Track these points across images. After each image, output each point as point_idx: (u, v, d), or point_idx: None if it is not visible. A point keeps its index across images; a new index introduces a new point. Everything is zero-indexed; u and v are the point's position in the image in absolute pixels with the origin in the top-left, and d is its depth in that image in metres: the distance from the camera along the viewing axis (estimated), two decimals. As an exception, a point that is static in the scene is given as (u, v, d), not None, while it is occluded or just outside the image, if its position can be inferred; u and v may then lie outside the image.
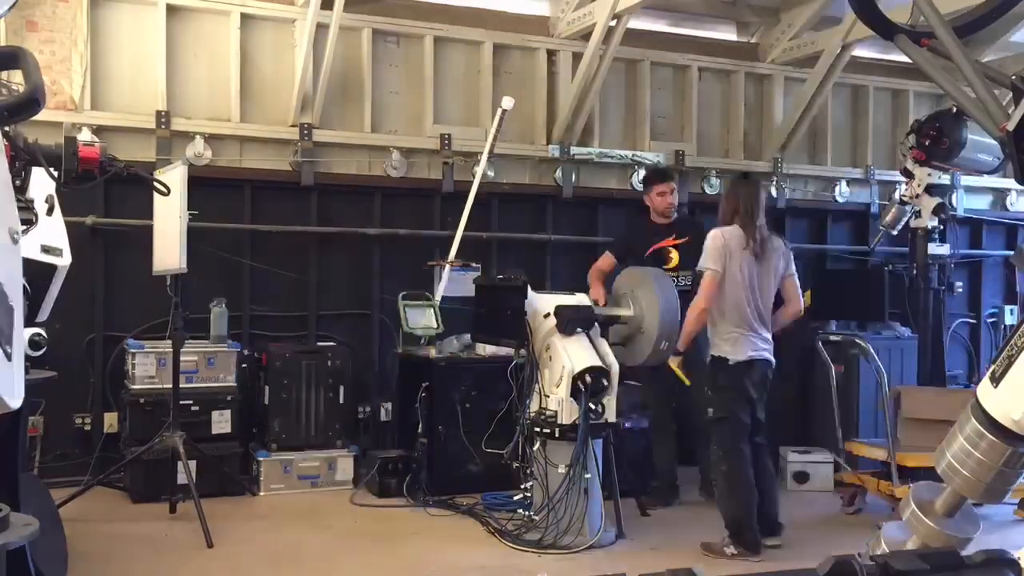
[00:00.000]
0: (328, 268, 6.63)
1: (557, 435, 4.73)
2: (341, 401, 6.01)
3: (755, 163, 7.82)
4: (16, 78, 2.21)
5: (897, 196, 6.54)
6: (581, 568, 4.40)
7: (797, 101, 7.63)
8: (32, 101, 1.63)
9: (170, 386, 5.20)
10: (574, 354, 4.76)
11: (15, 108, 1.64)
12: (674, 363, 4.95)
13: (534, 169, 7.16)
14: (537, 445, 4.83)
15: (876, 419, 6.20)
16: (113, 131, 5.99)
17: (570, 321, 4.84)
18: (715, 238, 4.71)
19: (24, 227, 2.54)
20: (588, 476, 4.70)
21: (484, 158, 6.40)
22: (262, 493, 5.75)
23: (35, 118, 1.70)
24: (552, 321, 4.85)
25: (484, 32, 6.94)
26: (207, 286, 6.03)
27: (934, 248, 6.09)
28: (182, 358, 5.28)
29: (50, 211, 3.17)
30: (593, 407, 4.71)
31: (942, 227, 6.11)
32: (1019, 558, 1.71)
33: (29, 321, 3.07)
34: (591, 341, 4.90)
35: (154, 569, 4.38)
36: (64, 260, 3.37)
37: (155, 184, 4.33)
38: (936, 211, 6.04)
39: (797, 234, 8.06)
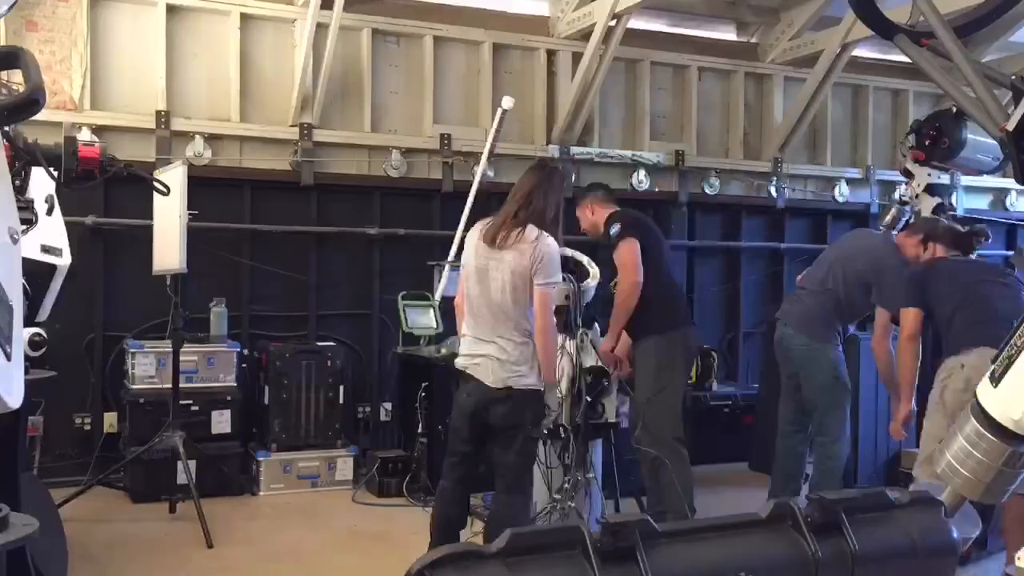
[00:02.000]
0: (328, 268, 6.63)
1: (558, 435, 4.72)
2: (341, 401, 6.01)
3: (755, 163, 7.82)
4: (16, 78, 2.21)
5: (897, 196, 6.54)
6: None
7: (797, 101, 7.63)
8: (32, 101, 1.63)
9: (170, 386, 5.20)
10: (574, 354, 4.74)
11: (15, 108, 1.64)
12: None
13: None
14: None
15: (876, 419, 6.19)
16: (113, 131, 5.99)
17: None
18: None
19: (24, 227, 2.54)
20: (591, 476, 4.69)
21: (484, 158, 6.40)
22: (262, 493, 5.75)
23: (35, 118, 1.69)
24: None
25: (484, 32, 6.94)
26: (207, 286, 6.03)
27: (934, 248, 6.08)
28: (182, 358, 5.28)
29: (50, 211, 3.17)
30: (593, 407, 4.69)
31: (942, 227, 6.11)
32: (1019, 558, 1.71)
33: (29, 321, 3.07)
34: (591, 340, 4.88)
35: (154, 569, 4.38)
36: (64, 260, 3.37)
37: (155, 184, 4.33)
38: (936, 211, 6.03)
39: (797, 234, 8.07)
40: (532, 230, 3.83)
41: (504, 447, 3.87)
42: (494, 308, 3.82)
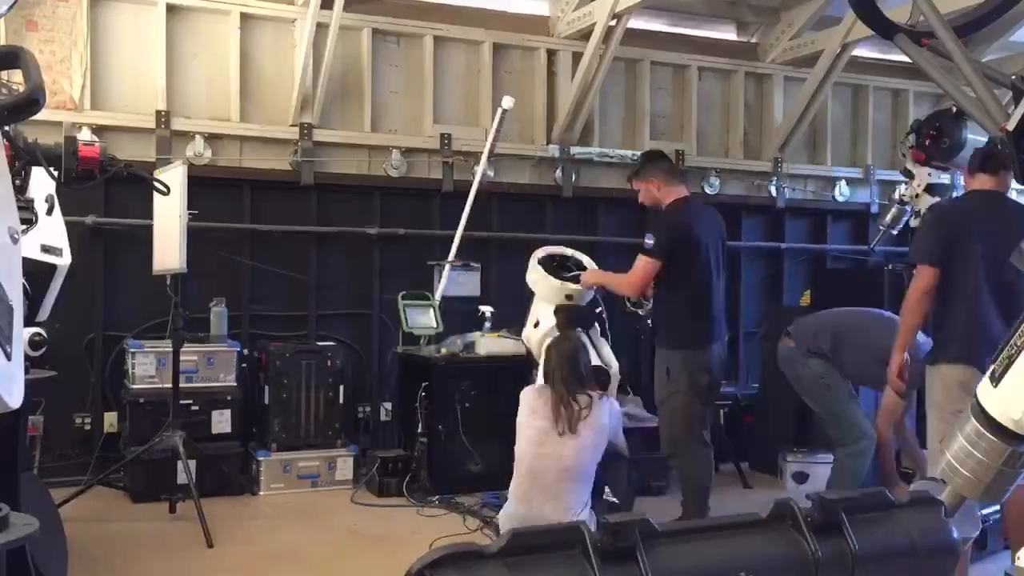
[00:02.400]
0: (328, 268, 6.63)
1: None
2: (341, 401, 6.01)
3: (755, 163, 7.82)
4: (16, 78, 2.21)
5: (897, 196, 6.53)
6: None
7: (797, 101, 7.63)
8: (32, 101, 1.63)
9: (170, 386, 5.20)
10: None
11: (15, 108, 1.64)
12: None
13: (534, 169, 7.16)
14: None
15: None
16: (113, 131, 5.99)
17: (570, 320, 4.83)
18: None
19: (24, 227, 2.54)
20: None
21: (484, 158, 6.40)
22: (262, 493, 5.75)
23: (35, 118, 1.69)
24: (543, 329, 4.84)
25: (484, 32, 6.94)
26: (207, 286, 6.03)
27: (934, 248, 6.07)
28: (182, 358, 5.28)
29: (50, 211, 3.17)
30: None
31: (942, 227, 6.10)
32: (1020, 558, 1.71)
33: (29, 321, 3.07)
34: (591, 341, 4.88)
35: (154, 569, 4.38)
36: (64, 260, 3.37)
37: (155, 184, 4.33)
38: (936, 211, 6.03)
39: (797, 234, 8.08)
40: None
41: None
42: None
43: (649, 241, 4.65)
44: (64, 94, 5.82)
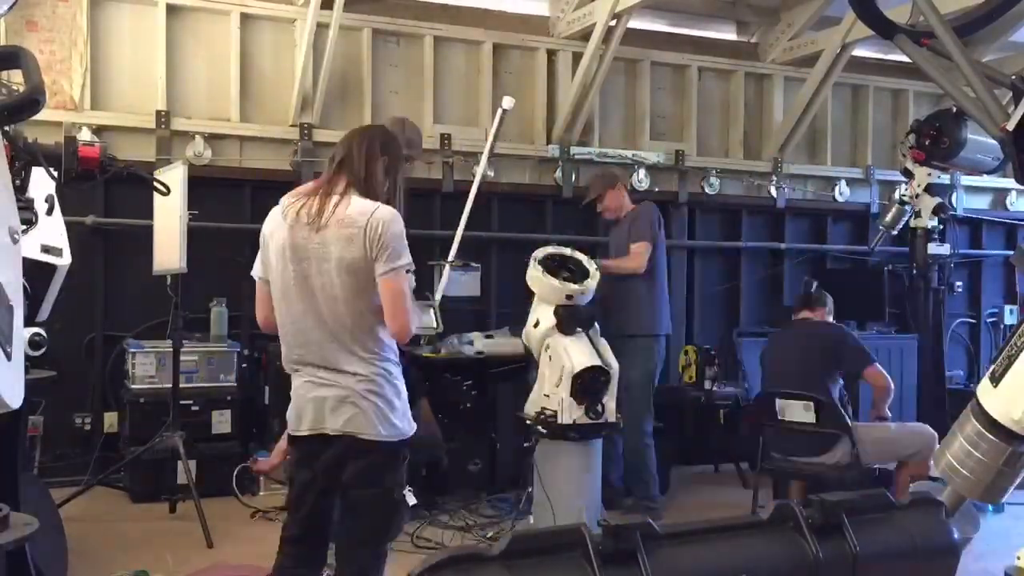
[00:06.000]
0: (328, 268, 6.61)
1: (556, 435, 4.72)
2: (341, 401, 6.00)
3: (755, 163, 7.82)
4: (16, 78, 2.21)
5: (897, 196, 6.53)
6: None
7: (797, 101, 7.63)
8: (32, 101, 1.63)
9: (170, 386, 5.20)
10: (574, 353, 4.74)
11: (15, 108, 1.64)
12: None
13: (534, 169, 7.16)
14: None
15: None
16: (113, 131, 5.99)
17: (570, 320, 4.83)
18: None
19: (24, 227, 2.53)
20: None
21: (484, 158, 6.38)
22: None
23: (35, 118, 1.70)
24: (543, 329, 4.84)
25: (484, 32, 6.94)
26: (207, 286, 6.03)
27: (934, 248, 6.07)
28: (182, 358, 5.28)
29: (50, 211, 3.17)
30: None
31: (942, 227, 6.10)
32: (1019, 558, 1.71)
33: (29, 321, 3.07)
34: (591, 341, 4.88)
35: (154, 569, 4.38)
36: (64, 260, 3.37)
37: (155, 184, 4.33)
38: (936, 211, 6.03)
39: (797, 234, 8.07)
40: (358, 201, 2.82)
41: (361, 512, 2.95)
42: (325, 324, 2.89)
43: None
44: (64, 94, 5.82)
